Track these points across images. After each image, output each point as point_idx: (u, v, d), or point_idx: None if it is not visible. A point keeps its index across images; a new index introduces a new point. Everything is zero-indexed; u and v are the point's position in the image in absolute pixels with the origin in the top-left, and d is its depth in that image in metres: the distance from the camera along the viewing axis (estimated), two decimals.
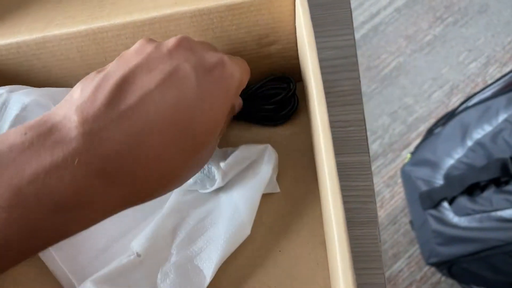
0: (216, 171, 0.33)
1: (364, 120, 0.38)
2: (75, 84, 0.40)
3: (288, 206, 0.35)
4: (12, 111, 0.34)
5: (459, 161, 0.89)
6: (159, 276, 0.32)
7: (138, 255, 0.32)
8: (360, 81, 0.41)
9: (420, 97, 1.23)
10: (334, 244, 0.23)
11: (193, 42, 0.29)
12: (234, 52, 0.38)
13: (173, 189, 0.27)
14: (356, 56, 0.42)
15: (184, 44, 0.28)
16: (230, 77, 0.28)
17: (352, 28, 0.43)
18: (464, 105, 0.91)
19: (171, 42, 0.28)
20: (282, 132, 0.38)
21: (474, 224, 0.85)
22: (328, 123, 0.27)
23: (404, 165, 1.03)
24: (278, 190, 0.35)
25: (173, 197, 0.35)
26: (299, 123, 0.39)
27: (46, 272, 0.34)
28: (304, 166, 0.37)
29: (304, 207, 0.34)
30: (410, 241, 1.08)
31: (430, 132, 1.00)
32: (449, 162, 0.90)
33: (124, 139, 0.22)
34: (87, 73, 0.39)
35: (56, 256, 0.34)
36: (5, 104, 0.34)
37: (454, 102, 1.20)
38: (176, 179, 0.26)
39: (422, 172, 0.96)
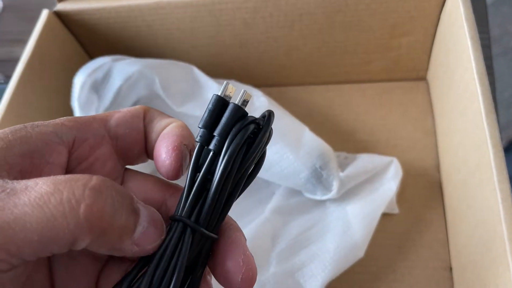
0: (334, 181, 0.30)
1: (499, 137, 0.33)
2: (180, 57, 0.37)
3: (407, 226, 0.31)
4: (116, 81, 0.31)
5: None
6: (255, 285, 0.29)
7: None
8: (495, 88, 0.36)
9: (500, 105, 1.14)
10: (507, 265, 0.19)
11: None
12: (361, 40, 0.33)
13: None
14: (491, 59, 0.37)
15: None
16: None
17: (488, 27, 0.38)
18: None
19: None
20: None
21: None
22: (499, 137, 0.23)
23: None
24: (397, 211, 0.31)
25: (276, 198, 0.32)
26: (420, 129, 0.34)
27: None
28: (425, 184, 0.32)
29: (426, 228, 0.30)
30: None
31: None
32: None
33: None
34: (194, 46, 0.36)
35: None
36: (108, 73, 0.32)
37: None
38: None
39: None
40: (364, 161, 0.31)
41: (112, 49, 0.36)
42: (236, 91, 0.16)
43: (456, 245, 0.29)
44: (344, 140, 0.35)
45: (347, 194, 0.31)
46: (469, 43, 0.26)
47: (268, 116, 0.15)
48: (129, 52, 0.36)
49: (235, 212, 0.34)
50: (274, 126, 0.32)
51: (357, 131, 0.35)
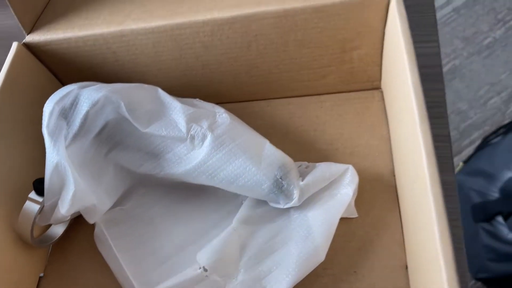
0: (295, 189, 0.31)
1: (449, 135, 0.36)
2: (146, 80, 0.39)
3: (365, 228, 0.33)
4: (83, 107, 0.33)
5: None
6: None
7: (205, 269, 0.31)
8: (445, 93, 0.38)
9: (475, 102, 1.17)
10: (438, 267, 0.21)
11: None
12: (315, 55, 0.36)
13: None
14: (441, 65, 0.39)
15: None
16: None
17: (437, 35, 0.40)
18: None
19: None
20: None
21: None
22: (431, 139, 0.25)
23: (456, 174, 0.98)
24: (356, 215, 0.33)
25: (243, 209, 0.33)
26: (376, 136, 0.36)
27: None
28: (381, 188, 0.34)
29: (385, 231, 0.32)
30: None
31: (486, 141, 0.95)
32: (508, 175, 0.85)
33: None
34: (159, 69, 0.38)
35: (120, 259, 0.33)
36: (75, 100, 0.33)
37: None
38: None
39: (476, 183, 0.91)
40: (323, 170, 0.33)
41: (83, 76, 0.38)
42: None
43: (409, 244, 0.31)
44: (305, 150, 0.37)
45: (308, 202, 0.33)
46: (405, 56, 0.28)
47: None
48: (99, 78, 0.37)
49: (205, 225, 0.35)
50: (237, 141, 0.34)
51: (317, 141, 0.37)
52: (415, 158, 0.26)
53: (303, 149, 0.37)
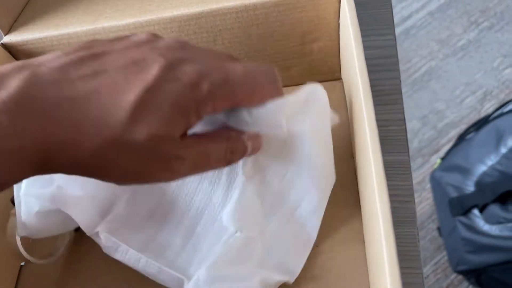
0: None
1: (404, 120, 0.38)
2: None
3: (327, 206, 0.35)
4: None
5: (492, 168, 0.87)
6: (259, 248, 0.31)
7: (238, 230, 0.30)
8: (400, 81, 0.40)
9: (452, 102, 1.21)
10: (381, 242, 0.23)
11: (191, 47, 0.26)
12: (278, 48, 0.38)
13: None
14: (397, 56, 0.42)
15: (174, 44, 0.25)
16: (191, 91, 0.23)
17: (393, 28, 0.43)
18: (499, 111, 0.89)
19: (166, 39, 0.26)
20: None
21: (506, 233, 0.83)
22: (374, 121, 0.27)
23: (434, 171, 1.01)
24: (338, 120, 0.32)
25: (245, 160, 0.32)
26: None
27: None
28: (342, 169, 0.36)
29: (345, 207, 0.34)
30: (437, 248, 1.06)
31: (461, 137, 0.98)
32: (482, 168, 0.88)
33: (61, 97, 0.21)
34: None
35: (146, 257, 0.31)
36: None
37: (487, 108, 1.18)
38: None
39: (452, 178, 0.94)
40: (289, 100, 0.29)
41: None
42: None
43: (365, 219, 0.33)
44: None
45: (294, 130, 0.31)
46: (353, 45, 0.30)
47: None
48: None
49: (213, 186, 0.35)
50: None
51: None
52: (363, 140, 0.28)
53: None
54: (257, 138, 0.29)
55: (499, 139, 0.86)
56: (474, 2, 1.34)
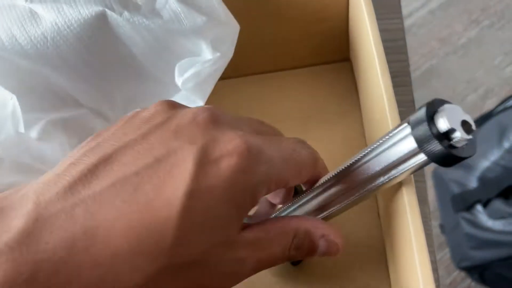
0: None
1: (413, 101, 0.38)
2: None
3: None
4: None
5: (494, 163, 0.87)
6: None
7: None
8: (409, 64, 0.40)
9: (453, 100, 1.20)
10: (404, 210, 0.23)
11: (222, 116, 0.20)
12: (287, 28, 0.38)
13: None
14: (404, 39, 0.41)
15: (202, 118, 0.19)
16: (243, 172, 0.18)
17: (401, 12, 0.43)
18: (502, 106, 0.89)
19: (189, 114, 0.20)
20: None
21: (509, 228, 0.83)
22: (394, 100, 0.26)
23: (436, 167, 1.01)
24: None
25: None
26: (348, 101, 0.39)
27: None
28: (353, 148, 0.36)
29: None
30: (439, 245, 1.05)
31: None
32: (484, 164, 0.88)
33: (66, 238, 0.16)
34: None
35: None
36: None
37: (489, 105, 1.18)
38: None
39: (455, 174, 0.94)
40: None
41: None
42: None
43: (379, 197, 0.32)
44: (281, 120, 0.39)
45: None
46: (368, 27, 0.29)
47: None
48: None
49: None
50: None
51: (293, 111, 0.39)
52: (382, 122, 0.27)
53: (279, 119, 0.39)
54: (335, 236, 0.22)
55: (502, 134, 0.86)
56: (474, 0, 1.34)
